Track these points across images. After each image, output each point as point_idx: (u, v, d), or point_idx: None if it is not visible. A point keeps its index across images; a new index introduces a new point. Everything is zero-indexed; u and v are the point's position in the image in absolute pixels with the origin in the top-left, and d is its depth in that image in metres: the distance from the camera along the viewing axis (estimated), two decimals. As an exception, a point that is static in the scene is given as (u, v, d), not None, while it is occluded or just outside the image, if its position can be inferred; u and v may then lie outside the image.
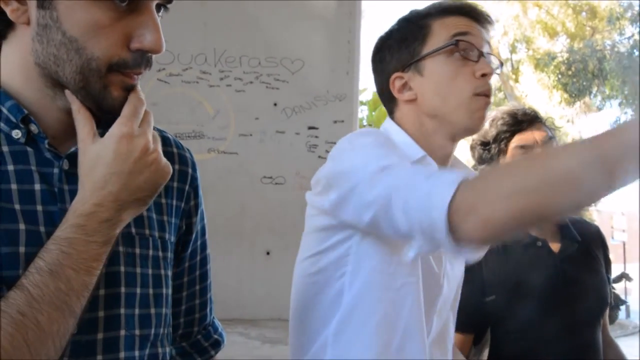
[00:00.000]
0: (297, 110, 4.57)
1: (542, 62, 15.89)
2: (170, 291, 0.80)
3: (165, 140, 0.85)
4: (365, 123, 13.44)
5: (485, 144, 1.62)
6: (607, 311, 1.72)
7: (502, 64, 1.18)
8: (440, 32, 1.07)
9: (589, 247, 1.66)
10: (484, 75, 1.07)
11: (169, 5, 0.73)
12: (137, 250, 0.74)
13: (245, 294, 4.38)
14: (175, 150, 0.86)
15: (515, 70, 17.77)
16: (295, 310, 1.13)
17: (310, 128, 4.55)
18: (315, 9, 4.69)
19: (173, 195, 0.83)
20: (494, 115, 1.65)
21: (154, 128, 0.83)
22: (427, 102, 1.09)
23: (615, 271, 11.35)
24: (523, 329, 1.54)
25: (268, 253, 4.45)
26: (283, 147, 4.54)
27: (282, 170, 4.50)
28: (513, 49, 18.07)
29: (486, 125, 1.64)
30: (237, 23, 4.57)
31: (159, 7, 0.73)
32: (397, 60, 1.11)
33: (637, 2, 16.05)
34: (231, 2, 4.51)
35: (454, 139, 1.12)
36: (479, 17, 1.10)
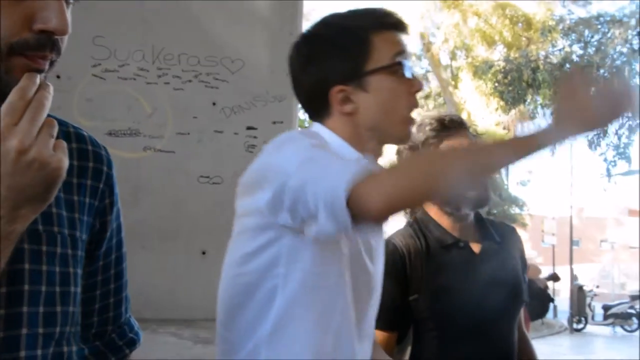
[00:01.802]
0: (236, 110, 4.56)
1: (480, 70, 16.35)
2: (79, 289, 0.79)
3: (80, 137, 0.84)
4: (307, 124, 13.50)
5: (413, 148, 1.67)
6: (523, 309, 1.80)
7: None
8: (382, 49, 1.12)
9: (507, 248, 1.74)
10: (416, 91, 1.15)
11: None
12: (44, 248, 0.73)
13: (180, 294, 4.33)
14: (90, 147, 0.85)
15: (455, 77, 18.22)
16: (224, 312, 1.12)
17: (249, 128, 4.54)
18: (256, 10, 4.69)
19: (86, 192, 0.82)
20: (421, 120, 1.69)
21: (68, 124, 0.83)
22: (369, 117, 1.13)
23: (544, 273, 11.80)
24: (443, 327, 1.60)
25: (204, 253, 4.41)
26: (221, 147, 4.51)
27: (220, 170, 4.47)
28: (453, 56, 18.52)
29: (413, 129, 1.69)
30: (177, 21, 4.52)
31: None
32: (339, 70, 1.12)
33: (569, 16, 16.74)
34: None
35: (384, 144, 1.19)
36: (407, 31, 1.17)
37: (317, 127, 1.16)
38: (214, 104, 4.53)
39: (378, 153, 1.18)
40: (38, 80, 0.66)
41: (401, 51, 1.13)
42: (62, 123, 0.79)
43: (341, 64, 1.12)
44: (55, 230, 0.76)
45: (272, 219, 1.00)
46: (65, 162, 0.66)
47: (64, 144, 0.67)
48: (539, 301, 7.43)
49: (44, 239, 0.74)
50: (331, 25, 1.16)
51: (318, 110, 1.16)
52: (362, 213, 0.86)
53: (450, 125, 1.66)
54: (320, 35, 1.16)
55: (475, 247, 1.68)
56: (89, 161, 0.84)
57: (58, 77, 4.25)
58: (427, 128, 1.65)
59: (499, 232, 1.74)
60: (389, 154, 1.75)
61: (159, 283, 4.32)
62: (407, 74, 1.13)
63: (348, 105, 1.12)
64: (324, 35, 1.15)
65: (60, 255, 0.76)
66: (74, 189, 0.80)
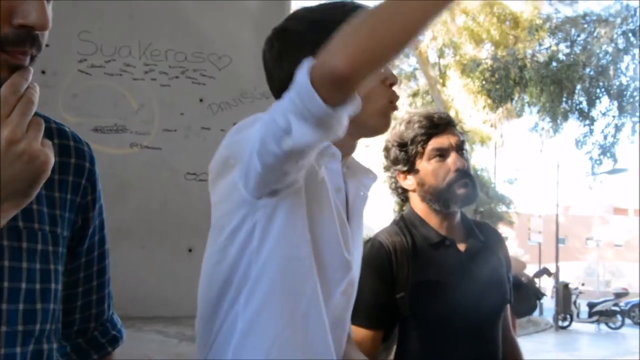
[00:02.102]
0: (223, 106, 4.54)
1: (468, 68, 16.42)
2: (60, 286, 0.78)
3: (62, 133, 0.83)
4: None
5: (402, 145, 1.67)
6: (508, 308, 1.81)
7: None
8: None
9: (491, 247, 1.75)
10: (392, 84, 1.15)
11: None
12: (24, 245, 0.73)
13: (166, 291, 4.32)
14: (72, 143, 0.84)
15: (443, 75, 18.29)
16: (204, 301, 1.13)
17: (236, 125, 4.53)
18: (244, 6, 4.67)
19: (68, 189, 0.81)
20: (409, 117, 1.70)
21: (50, 120, 0.82)
22: None
23: (530, 271, 11.88)
24: (429, 325, 1.60)
25: (190, 250, 4.40)
26: (208, 144, 4.49)
27: (207, 166, 4.38)
28: (441, 54, 18.60)
29: (402, 126, 1.69)
30: (164, 16, 4.49)
31: None
32: None
33: (555, 14, 16.85)
34: (158, -6, 4.42)
35: (359, 137, 1.19)
36: None
37: None
38: (201, 100, 4.51)
39: (352, 147, 1.20)
40: (30, 77, 0.66)
41: None
42: (44, 119, 0.78)
43: (313, 56, 1.12)
44: (36, 227, 0.75)
45: (245, 193, 1.01)
46: (52, 159, 0.67)
47: (50, 142, 0.68)
48: (525, 297, 7.45)
49: (24, 236, 0.73)
50: (302, 19, 1.17)
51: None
52: (331, 81, 0.84)
53: (439, 123, 1.66)
54: (291, 30, 1.17)
55: (461, 246, 1.69)
56: (71, 157, 0.83)
57: (43, 72, 4.22)
58: (416, 125, 1.66)
59: (482, 232, 1.75)
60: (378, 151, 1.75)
61: (145, 280, 4.30)
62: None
63: None
64: (295, 30, 1.16)
65: (41, 252, 0.75)
66: (55, 185, 0.79)
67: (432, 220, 1.69)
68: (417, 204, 1.71)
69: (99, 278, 0.90)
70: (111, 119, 4.40)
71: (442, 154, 1.64)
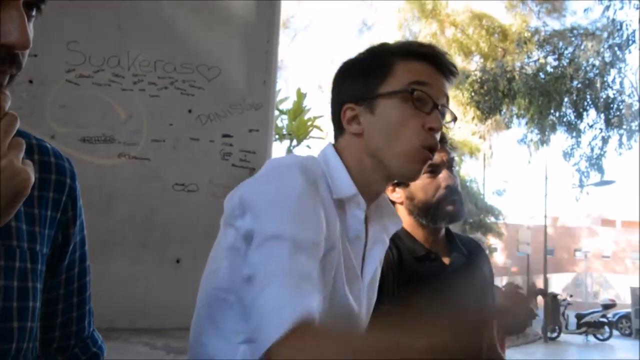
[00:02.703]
0: (212, 117, 4.54)
1: (457, 80, 16.51)
2: (38, 304, 0.78)
3: (43, 150, 0.83)
4: (285, 132, 13.49)
5: None
6: (494, 322, 1.81)
7: (455, 119, 1.19)
8: (401, 75, 1.06)
9: (475, 261, 1.75)
10: (431, 129, 1.06)
11: (42, 6, 0.70)
12: (2, 262, 0.72)
13: (153, 303, 4.29)
14: (52, 159, 0.84)
15: (432, 87, 18.37)
16: (198, 321, 1.10)
17: (224, 136, 4.53)
18: (233, 17, 4.69)
19: (48, 205, 0.81)
20: None
21: (30, 137, 0.81)
22: (372, 141, 1.08)
23: (518, 283, 11.91)
24: None
25: (178, 261, 4.38)
26: (197, 155, 4.49)
27: (195, 177, 4.44)
28: (430, 66, 18.70)
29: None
30: (153, 27, 4.49)
31: (30, 5, 0.69)
32: (353, 90, 1.09)
33: (543, 28, 17.03)
34: (147, 6, 4.43)
35: (390, 180, 1.13)
36: (442, 67, 1.09)
37: (328, 149, 1.13)
38: (189, 111, 4.50)
39: (381, 188, 1.13)
40: (9, 99, 0.65)
41: (421, 81, 1.06)
42: (24, 135, 0.78)
43: (358, 84, 1.09)
44: (14, 244, 0.74)
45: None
46: (32, 178, 0.66)
47: (31, 163, 0.67)
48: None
49: (1, 253, 0.72)
50: (366, 50, 1.14)
51: (336, 130, 1.14)
52: None
53: None
54: (351, 59, 1.14)
55: (446, 260, 1.70)
56: (52, 174, 0.82)
57: (31, 82, 4.20)
58: None
59: (466, 247, 1.76)
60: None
61: (132, 292, 4.27)
62: (424, 107, 1.06)
63: (355, 125, 1.09)
64: (354, 59, 1.14)
65: (19, 269, 0.74)
66: (34, 202, 0.78)
67: (418, 233, 1.69)
68: (404, 217, 1.71)
69: (79, 295, 0.89)
70: (99, 129, 4.38)
71: (433, 170, 1.65)
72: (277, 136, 13.12)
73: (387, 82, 1.07)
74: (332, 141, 1.16)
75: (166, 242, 4.41)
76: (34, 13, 0.69)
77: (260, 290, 0.86)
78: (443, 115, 1.10)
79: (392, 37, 16.88)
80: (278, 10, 4.87)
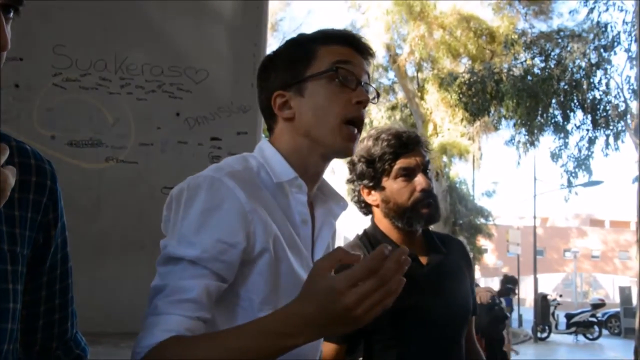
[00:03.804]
0: (200, 120, 4.52)
1: (445, 82, 16.59)
2: (19, 306, 0.77)
3: (23, 151, 0.83)
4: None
5: (369, 162, 1.68)
6: (473, 319, 1.82)
7: (378, 95, 1.27)
8: (324, 58, 1.13)
9: (454, 260, 1.76)
10: (359, 102, 1.12)
11: (20, 8, 0.70)
12: None
13: (143, 307, 4.24)
14: (32, 161, 0.83)
15: (421, 88, 18.45)
16: None
17: (213, 139, 4.51)
18: (221, 20, 4.68)
19: (28, 207, 0.80)
20: (377, 133, 1.70)
21: (10, 139, 0.81)
22: (303, 122, 1.13)
23: (509, 283, 11.96)
24: (393, 338, 1.61)
25: (167, 265, 4.36)
26: (185, 158, 4.47)
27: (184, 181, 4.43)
28: (419, 68, 18.77)
29: (369, 142, 1.69)
30: (140, 30, 4.48)
31: (6, 8, 0.70)
32: (281, 79, 1.14)
33: (530, 30, 17.13)
34: (134, 9, 4.41)
35: (326, 159, 1.17)
36: (360, 48, 1.16)
37: (262, 144, 1.19)
38: (177, 114, 4.48)
39: (319, 168, 1.17)
40: None
41: (344, 60, 1.13)
42: (4, 137, 0.78)
43: (284, 72, 1.14)
44: None
45: None
46: (11, 182, 0.65)
47: (14, 169, 0.66)
48: (492, 322, 7.55)
49: None
50: (288, 42, 1.19)
51: (267, 120, 1.19)
52: None
53: (407, 142, 1.67)
54: (274, 52, 1.20)
55: (423, 259, 1.71)
56: (32, 175, 0.82)
57: (17, 86, 4.17)
58: (384, 144, 1.66)
59: (446, 245, 1.76)
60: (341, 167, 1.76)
61: (121, 296, 4.24)
62: (350, 84, 1.12)
63: (286, 110, 1.14)
64: (277, 51, 1.19)
65: None
66: (15, 204, 0.78)
67: (394, 235, 1.70)
68: (380, 219, 1.72)
69: (61, 297, 0.89)
70: (87, 133, 4.35)
71: (408, 173, 1.66)
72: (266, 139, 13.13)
73: (313, 65, 1.13)
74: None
75: (155, 246, 4.34)
76: (11, 15, 0.69)
77: (150, 304, 1.08)
78: (367, 92, 1.15)
79: (381, 39, 16.92)
80: (265, 12, 4.87)
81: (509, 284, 11.83)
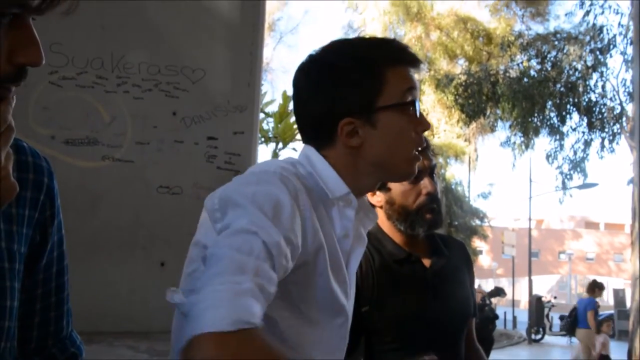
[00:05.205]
0: (196, 120, 4.53)
1: (442, 83, 16.63)
2: (17, 303, 0.77)
3: (20, 149, 0.83)
4: (271, 135, 13.48)
5: None
6: (473, 321, 1.83)
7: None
8: (394, 85, 1.09)
9: (455, 262, 1.77)
10: (423, 131, 1.13)
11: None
12: None
13: (138, 306, 4.26)
14: (30, 159, 0.84)
15: (418, 90, 18.46)
16: (179, 325, 1.10)
17: (209, 138, 4.52)
18: (218, 20, 4.68)
19: (25, 205, 0.80)
20: None
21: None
22: (374, 152, 1.10)
23: (503, 285, 11.99)
24: (394, 340, 1.61)
25: (162, 264, 4.36)
26: (181, 157, 4.47)
27: (180, 180, 4.43)
28: (416, 69, 18.79)
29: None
30: (137, 29, 4.48)
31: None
32: (350, 102, 1.09)
33: (527, 31, 17.18)
34: (131, 7, 4.41)
35: (381, 181, 1.17)
36: (418, 67, 1.13)
37: (309, 151, 1.13)
38: (174, 113, 4.49)
39: (370, 189, 1.17)
40: (11, 109, 0.68)
41: (412, 88, 1.11)
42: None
43: (353, 96, 1.08)
44: None
45: None
46: (17, 188, 0.67)
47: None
48: (482, 322, 7.62)
49: None
50: (346, 53, 1.12)
51: (321, 137, 1.12)
52: None
53: None
54: (332, 63, 1.12)
55: (426, 262, 1.71)
56: (29, 173, 0.82)
57: (13, 84, 4.17)
58: None
59: (447, 247, 1.77)
60: None
61: (116, 295, 4.24)
62: (416, 113, 1.11)
63: (355, 138, 1.09)
64: (337, 64, 1.11)
65: None
66: (12, 202, 0.78)
67: (397, 236, 1.70)
68: (383, 221, 1.72)
69: (57, 294, 0.89)
70: (83, 131, 4.36)
71: (415, 176, 1.66)
72: (262, 139, 13.12)
73: (384, 93, 1.08)
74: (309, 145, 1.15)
75: (150, 245, 4.39)
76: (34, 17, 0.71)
77: (214, 272, 0.82)
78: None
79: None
80: (262, 11, 4.87)
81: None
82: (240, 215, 0.91)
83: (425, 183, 1.65)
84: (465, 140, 19.05)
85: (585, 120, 16.12)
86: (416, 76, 1.14)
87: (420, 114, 1.12)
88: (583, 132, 16.39)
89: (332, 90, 1.10)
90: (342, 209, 1.10)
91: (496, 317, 8.24)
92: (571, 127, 16.59)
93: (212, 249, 0.88)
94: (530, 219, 23.05)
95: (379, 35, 17.07)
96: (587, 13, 15.47)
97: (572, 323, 11.03)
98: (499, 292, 11.92)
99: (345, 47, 1.14)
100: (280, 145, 13.43)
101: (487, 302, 7.94)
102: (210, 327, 0.73)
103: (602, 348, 8.57)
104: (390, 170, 1.12)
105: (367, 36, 1.31)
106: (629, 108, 14.84)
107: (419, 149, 1.12)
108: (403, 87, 1.09)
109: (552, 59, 16.14)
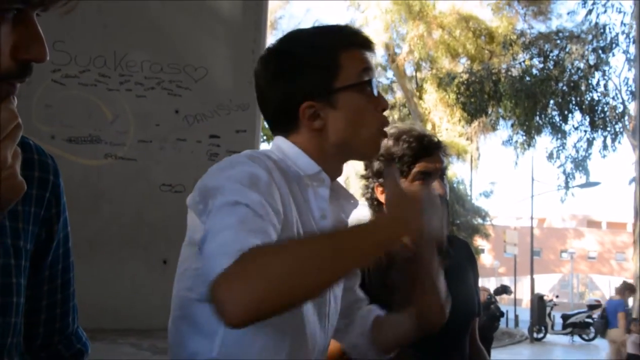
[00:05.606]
0: (199, 118, 4.53)
1: (444, 81, 16.62)
2: (23, 300, 0.78)
3: (26, 147, 0.83)
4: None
5: (388, 162, 1.66)
6: (477, 320, 1.83)
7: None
8: (350, 67, 1.13)
9: (459, 261, 1.76)
10: (383, 109, 1.16)
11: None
12: None
13: (140, 303, 4.27)
14: (35, 156, 0.84)
15: (419, 88, 18.48)
16: (175, 324, 1.12)
17: (212, 136, 4.53)
18: (220, 18, 4.69)
19: (31, 202, 0.81)
20: (399, 133, 1.67)
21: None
22: (337, 134, 1.13)
23: (508, 283, 12.02)
24: None
25: (165, 262, 4.37)
26: (183, 155, 4.48)
27: (182, 178, 4.44)
28: (418, 67, 18.80)
29: (390, 141, 1.67)
30: (140, 27, 4.48)
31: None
32: (308, 87, 1.12)
33: (529, 30, 17.16)
34: (133, 6, 4.42)
35: (347, 161, 1.20)
36: (372, 48, 1.18)
37: (278, 140, 1.17)
38: (176, 111, 4.50)
39: (339, 170, 1.20)
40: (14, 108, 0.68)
41: (367, 69, 1.15)
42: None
43: (310, 80, 1.13)
44: None
45: None
46: (25, 186, 0.68)
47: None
48: (488, 320, 7.62)
49: None
50: (300, 41, 1.17)
51: (284, 124, 1.17)
52: (220, 317, 0.83)
53: (429, 146, 1.65)
54: (289, 52, 1.16)
55: None
56: (35, 170, 0.83)
57: (16, 82, 4.18)
58: (405, 145, 1.63)
59: (452, 246, 1.76)
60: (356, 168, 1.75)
61: (118, 292, 4.25)
62: (374, 92, 1.15)
63: (317, 121, 1.13)
64: (294, 52, 1.15)
65: (2, 265, 0.75)
66: (18, 199, 0.79)
67: None
68: None
69: (63, 291, 0.89)
70: (85, 129, 4.37)
71: (426, 177, 1.64)
72: (265, 137, 13.12)
73: (340, 75, 1.13)
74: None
75: (153, 243, 4.40)
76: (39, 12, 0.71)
77: (212, 240, 0.89)
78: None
79: (380, 38, 16.92)
80: (265, 10, 4.88)
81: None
82: (220, 195, 0.96)
83: (435, 185, 1.64)
84: (467, 139, 19.02)
85: (588, 119, 16.12)
86: (372, 59, 1.19)
87: (379, 92, 1.16)
88: (585, 131, 16.41)
89: (290, 76, 1.14)
90: (316, 189, 1.14)
91: (502, 314, 8.26)
92: (573, 126, 16.61)
93: (205, 233, 0.93)
94: (532, 218, 23.04)
95: (380, 34, 17.07)
96: (590, 12, 15.47)
97: (604, 325, 11.08)
98: (505, 289, 11.93)
99: (301, 36, 1.19)
100: (282, 143, 13.41)
101: (493, 300, 7.93)
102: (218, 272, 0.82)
103: (634, 348, 8.58)
104: (355, 149, 1.16)
105: (322, 24, 1.34)
106: (631, 107, 14.82)
107: (384, 128, 1.16)
108: (358, 68, 1.14)
109: (554, 57, 16.13)
